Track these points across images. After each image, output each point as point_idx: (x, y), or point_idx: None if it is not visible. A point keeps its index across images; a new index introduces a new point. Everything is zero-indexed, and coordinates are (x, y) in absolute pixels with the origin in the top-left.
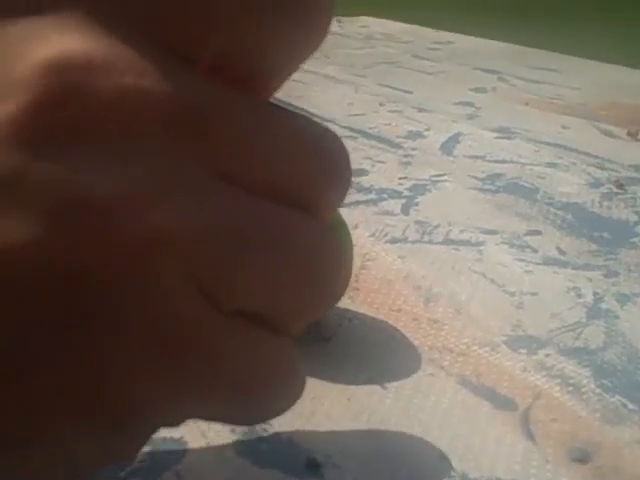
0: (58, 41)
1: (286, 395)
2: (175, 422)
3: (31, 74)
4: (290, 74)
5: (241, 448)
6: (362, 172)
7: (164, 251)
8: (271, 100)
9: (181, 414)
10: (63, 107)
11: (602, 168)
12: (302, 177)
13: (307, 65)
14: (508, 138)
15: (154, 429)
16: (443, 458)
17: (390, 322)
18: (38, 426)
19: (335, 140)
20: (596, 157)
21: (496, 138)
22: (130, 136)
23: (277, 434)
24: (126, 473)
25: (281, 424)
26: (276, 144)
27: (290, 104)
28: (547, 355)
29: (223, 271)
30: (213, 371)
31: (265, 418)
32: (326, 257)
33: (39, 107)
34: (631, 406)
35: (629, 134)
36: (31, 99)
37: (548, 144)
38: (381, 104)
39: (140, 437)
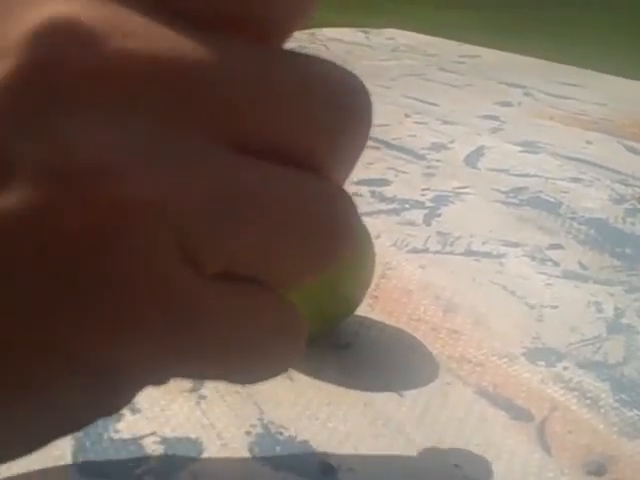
0: (49, 5)
1: (283, 354)
2: (162, 380)
3: (18, 40)
4: (299, 24)
5: (256, 450)
6: (385, 182)
7: (150, 215)
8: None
9: (168, 372)
10: (47, 73)
11: (626, 184)
12: (312, 133)
13: None
14: (532, 152)
15: (141, 386)
16: (457, 466)
17: (409, 331)
18: (29, 374)
19: (355, 83)
20: (620, 173)
21: (520, 152)
22: (120, 99)
23: (292, 437)
24: (142, 472)
25: (297, 428)
26: (282, 97)
27: None
28: (565, 368)
29: (212, 236)
30: (198, 332)
31: (261, 378)
32: (329, 220)
33: (23, 74)
34: None
35: None
36: (15, 66)
37: (572, 159)
38: (406, 115)
39: (126, 394)
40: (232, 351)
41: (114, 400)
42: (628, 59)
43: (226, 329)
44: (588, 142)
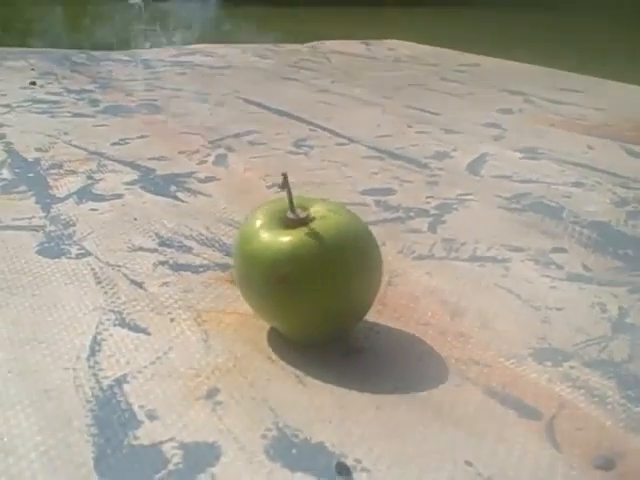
0: None
1: None
2: None
3: None
4: None
5: (272, 452)
6: (389, 191)
7: None
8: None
9: None
10: None
11: (627, 187)
12: None
13: (335, 87)
14: (534, 158)
15: None
16: (469, 464)
17: (417, 335)
18: None
19: None
20: (621, 177)
21: (522, 158)
22: None
23: (307, 440)
24: (162, 476)
25: (311, 430)
26: None
27: (319, 125)
28: (572, 367)
29: None
30: None
31: None
32: None
33: None
34: None
35: None
36: None
37: (574, 164)
38: (409, 125)
39: None
40: None
41: None
42: (626, 64)
43: None
44: (589, 147)
